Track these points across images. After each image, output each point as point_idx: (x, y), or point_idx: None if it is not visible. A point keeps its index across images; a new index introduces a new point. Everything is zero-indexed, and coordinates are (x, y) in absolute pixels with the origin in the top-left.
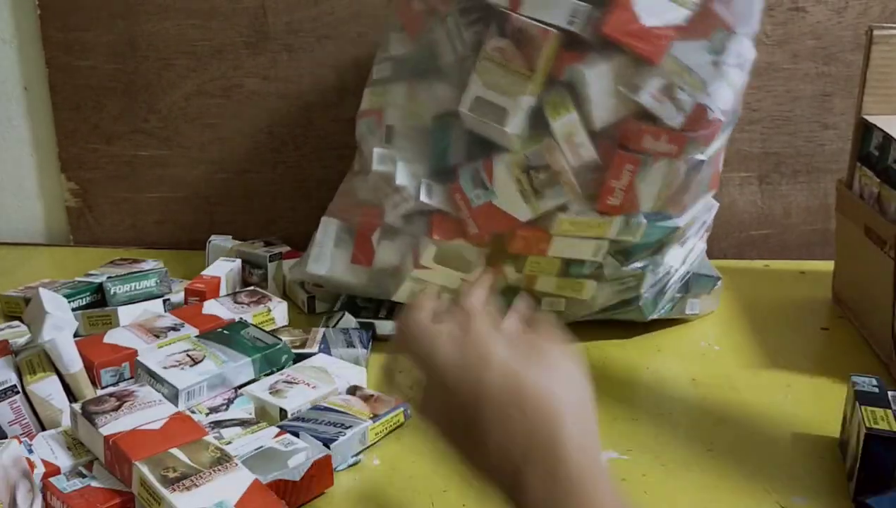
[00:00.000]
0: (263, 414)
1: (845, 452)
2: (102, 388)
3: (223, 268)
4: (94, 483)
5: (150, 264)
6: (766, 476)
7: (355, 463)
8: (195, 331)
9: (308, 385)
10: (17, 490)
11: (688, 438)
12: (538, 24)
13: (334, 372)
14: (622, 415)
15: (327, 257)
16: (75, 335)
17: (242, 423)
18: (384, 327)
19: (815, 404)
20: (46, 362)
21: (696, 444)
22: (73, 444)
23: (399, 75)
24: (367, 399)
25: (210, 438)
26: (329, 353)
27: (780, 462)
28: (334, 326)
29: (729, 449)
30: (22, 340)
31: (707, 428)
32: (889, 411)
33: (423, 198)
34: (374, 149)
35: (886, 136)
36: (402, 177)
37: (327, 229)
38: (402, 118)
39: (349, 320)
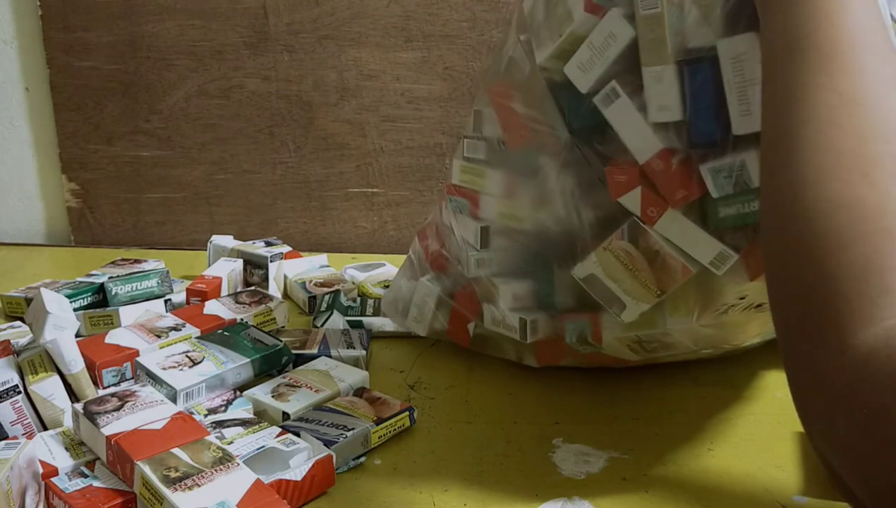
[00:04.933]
0: (265, 418)
1: None
2: (104, 388)
3: (224, 269)
4: (95, 483)
5: (151, 264)
6: (766, 476)
7: (357, 466)
8: (197, 331)
9: (311, 388)
10: (27, 492)
11: (689, 437)
12: (680, 256)
13: (336, 376)
14: (623, 415)
15: (427, 319)
16: (77, 335)
17: (244, 423)
18: (372, 324)
19: None
20: (48, 362)
21: (697, 444)
22: (71, 445)
23: (496, 163)
24: (373, 401)
25: (211, 438)
26: (329, 354)
27: (780, 463)
28: (322, 325)
29: (729, 449)
30: (24, 340)
31: (707, 428)
32: None
33: (528, 338)
34: (470, 254)
35: None
36: (504, 301)
37: (427, 295)
38: (499, 216)
39: (337, 319)
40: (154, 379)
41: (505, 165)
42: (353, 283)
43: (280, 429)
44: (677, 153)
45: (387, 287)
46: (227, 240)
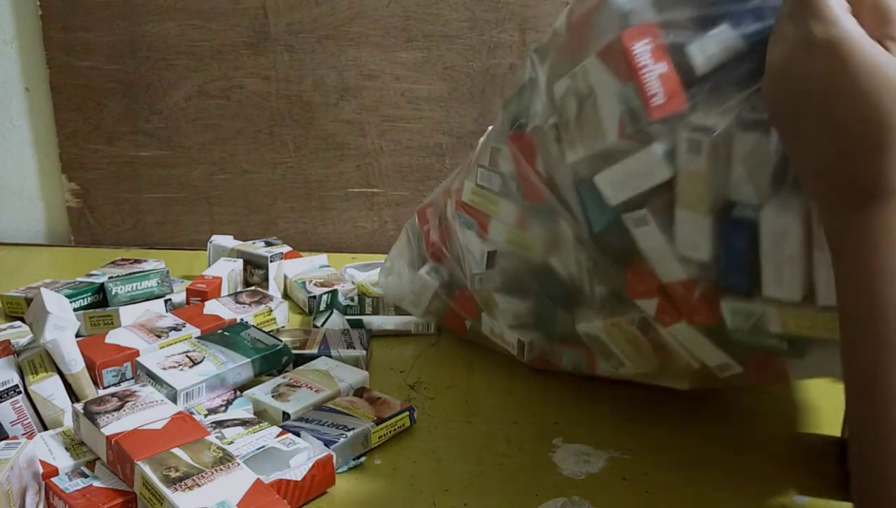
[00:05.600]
0: (265, 418)
1: (846, 451)
2: (104, 388)
3: (224, 269)
4: (96, 483)
5: (151, 264)
6: (766, 476)
7: (357, 466)
8: (197, 331)
9: (311, 388)
10: (27, 492)
11: (689, 437)
12: (686, 353)
13: (336, 376)
14: (623, 415)
15: (423, 306)
16: (77, 335)
17: (244, 423)
18: (372, 323)
19: (815, 403)
20: (48, 362)
21: (697, 443)
22: (72, 445)
23: (510, 196)
24: (373, 401)
25: (212, 438)
26: (329, 354)
27: (780, 462)
28: (322, 324)
29: (729, 449)
30: (24, 340)
31: (708, 428)
32: None
33: (526, 358)
34: (474, 273)
35: None
36: (504, 318)
37: (425, 287)
38: (507, 241)
39: (336, 319)
40: (154, 379)
41: (520, 203)
42: (353, 283)
43: (280, 429)
44: (700, 285)
45: None
46: (227, 240)
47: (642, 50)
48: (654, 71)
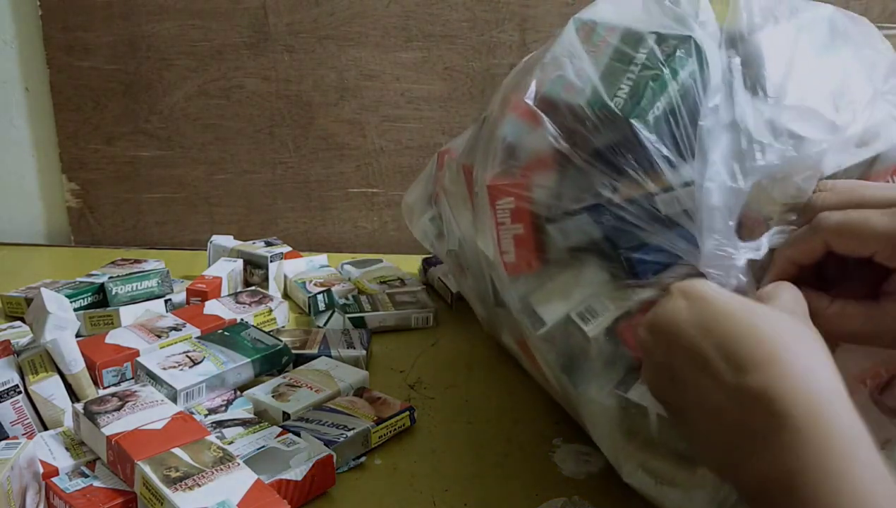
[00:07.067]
0: (266, 418)
1: None
2: (104, 388)
3: (224, 269)
4: (96, 483)
5: (151, 264)
6: None
7: (357, 466)
8: (197, 331)
9: (311, 388)
10: (28, 492)
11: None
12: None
13: (337, 376)
14: None
15: (428, 244)
16: (77, 335)
17: (244, 423)
18: (373, 320)
19: None
20: (48, 362)
21: None
22: (72, 444)
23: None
24: (373, 401)
25: (212, 438)
26: (329, 354)
27: None
28: (325, 324)
29: None
30: (24, 340)
31: None
32: None
33: (484, 328)
34: (449, 248)
35: None
36: (472, 292)
37: (426, 232)
38: (466, 236)
39: (338, 318)
40: (154, 379)
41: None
42: (350, 280)
43: (280, 429)
44: None
45: (383, 282)
46: (227, 240)
47: (503, 207)
48: (510, 231)
